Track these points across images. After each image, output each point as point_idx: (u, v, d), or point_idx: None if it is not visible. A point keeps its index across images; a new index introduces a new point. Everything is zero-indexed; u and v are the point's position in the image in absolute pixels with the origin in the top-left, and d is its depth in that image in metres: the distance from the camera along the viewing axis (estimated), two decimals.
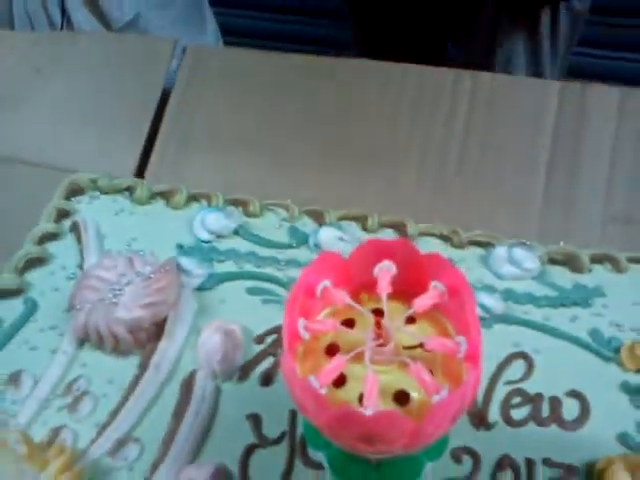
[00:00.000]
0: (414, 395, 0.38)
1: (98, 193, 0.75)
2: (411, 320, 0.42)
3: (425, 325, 0.41)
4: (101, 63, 0.88)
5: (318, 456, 0.53)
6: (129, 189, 0.75)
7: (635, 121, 0.75)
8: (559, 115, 0.76)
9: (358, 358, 0.39)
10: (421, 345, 0.40)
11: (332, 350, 0.40)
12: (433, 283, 0.40)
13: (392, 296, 0.42)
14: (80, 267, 0.68)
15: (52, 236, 0.71)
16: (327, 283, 0.40)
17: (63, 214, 0.73)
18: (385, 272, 0.41)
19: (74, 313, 0.61)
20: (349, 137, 0.78)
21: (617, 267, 0.65)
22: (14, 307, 0.65)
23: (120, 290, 0.62)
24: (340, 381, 0.39)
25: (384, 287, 0.40)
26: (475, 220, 0.70)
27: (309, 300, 0.41)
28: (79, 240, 0.70)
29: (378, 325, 0.40)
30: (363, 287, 0.43)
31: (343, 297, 0.40)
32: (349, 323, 0.42)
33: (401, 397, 0.39)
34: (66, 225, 0.72)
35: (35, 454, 0.51)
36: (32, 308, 0.65)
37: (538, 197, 0.75)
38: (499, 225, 0.69)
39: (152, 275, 0.63)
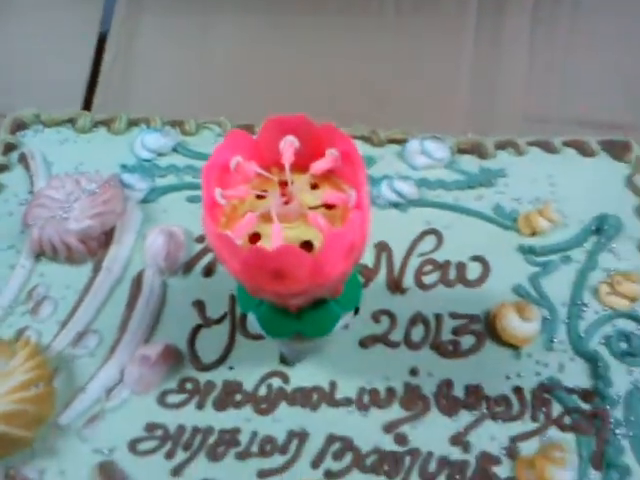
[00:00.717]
0: (317, 244, 0.46)
1: (42, 126, 0.80)
2: (315, 187, 0.50)
3: (326, 188, 0.49)
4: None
5: (254, 327, 0.61)
6: (71, 120, 0.81)
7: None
8: None
9: (270, 219, 0.47)
10: (323, 206, 0.48)
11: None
12: (328, 150, 0.47)
13: (298, 168, 0.49)
14: (31, 193, 0.74)
15: (2, 168, 0.76)
16: (239, 158, 0.48)
17: (10, 148, 0.78)
18: (289, 145, 0.48)
19: (29, 230, 0.67)
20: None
21: (518, 150, 0.73)
22: None
23: (69, 207, 0.69)
24: (255, 239, 0.47)
25: (288, 157, 0.47)
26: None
27: (225, 175, 0.48)
28: (28, 169, 0.76)
29: (285, 189, 0.48)
30: (273, 163, 0.50)
31: (254, 168, 0.47)
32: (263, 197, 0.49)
33: (306, 247, 0.47)
34: (14, 157, 0.77)
35: (3, 347, 0.58)
36: None
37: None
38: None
39: (97, 190, 0.69)
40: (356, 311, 0.59)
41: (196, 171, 0.73)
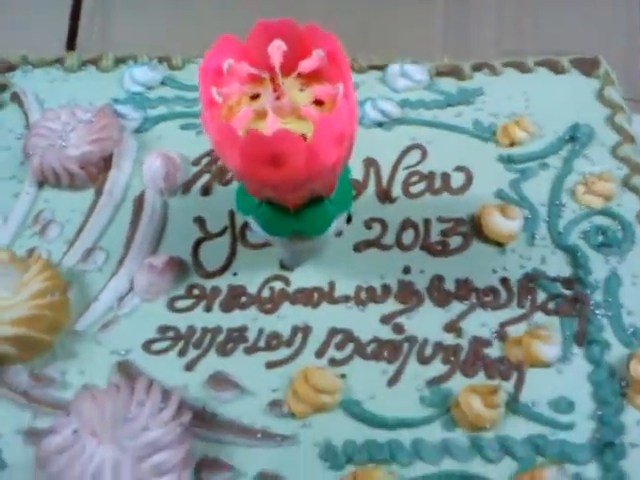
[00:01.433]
0: (310, 136, 0.49)
1: (30, 67, 0.82)
2: (303, 89, 0.52)
3: (314, 87, 0.52)
4: None
5: (254, 236, 0.65)
6: (59, 61, 0.82)
7: None
8: None
9: (265, 115, 0.50)
10: (313, 103, 0.51)
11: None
12: (315, 50, 0.50)
13: (286, 72, 0.52)
14: (27, 128, 0.76)
15: None
16: (231, 60, 0.50)
17: (1, 88, 0.80)
18: (276, 48, 0.51)
19: (30, 159, 0.70)
20: None
21: (493, 71, 0.77)
22: None
23: (67, 135, 0.71)
24: None
25: (277, 59, 0.50)
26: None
27: (218, 78, 0.51)
28: (21, 106, 0.78)
29: (277, 89, 0.51)
30: (262, 67, 0.53)
31: (245, 68, 0.50)
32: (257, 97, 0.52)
33: None
34: (6, 96, 0.79)
35: (17, 262, 0.61)
36: None
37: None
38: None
39: (93, 119, 0.71)
40: (349, 220, 0.63)
41: (186, 102, 0.76)
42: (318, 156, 0.47)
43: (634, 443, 0.52)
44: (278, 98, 0.49)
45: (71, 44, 0.87)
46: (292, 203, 0.54)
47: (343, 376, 0.56)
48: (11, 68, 0.81)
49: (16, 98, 0.78)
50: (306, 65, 0.50)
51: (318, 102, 0.50)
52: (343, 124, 0.47)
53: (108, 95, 0.77)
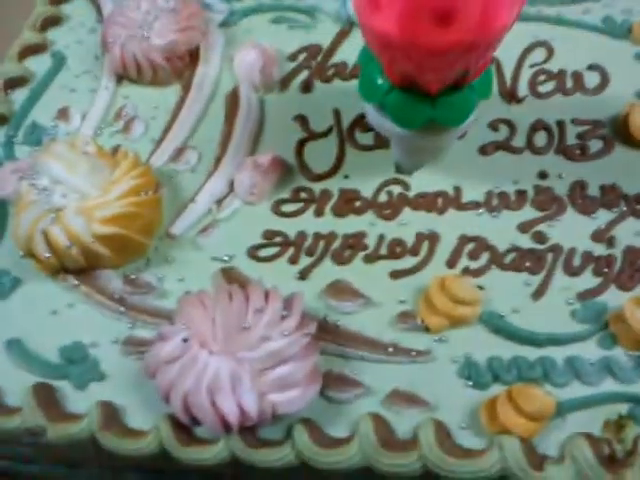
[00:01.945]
0: None
1: None
2: None
3: None
4: None
5: (367, 138, 0.56)
6: None
7: None
8: None
9: None
10: None
11: None
12: None
13: None
14: (99, 22, 0.67)
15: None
16: None
17: None
18: None
19: (109, 47, 0.61)
20: None
21: None
22: (43, 61, 0.65)
23: (149, 25, 0.62)
24: None
25: None
26: None
27: None
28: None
29: None
30: None
31: None
32: None
33: None
34: None
35: (106, 158, 0.53)
36: (61, 60, 0.65)
37: None
38: None
39: (177, 7, 0.62)
40: None
41: None
42: (494, 13, 0.38)
43: None
44: None
45: None
46: (435, 85, 0.45)
47: (481, 288, 0.48)
48: None
49: None
50: None
51: None
52: None
53: None
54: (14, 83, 0.62)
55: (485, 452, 0.42)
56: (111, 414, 0.45)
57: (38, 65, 0.65)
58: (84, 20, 0.68)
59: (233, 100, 0.59)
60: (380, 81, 0.48)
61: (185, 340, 0.45)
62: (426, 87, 0.47)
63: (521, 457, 0.41)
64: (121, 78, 0.62)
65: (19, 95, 0.62)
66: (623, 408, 0.44)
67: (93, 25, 0.67)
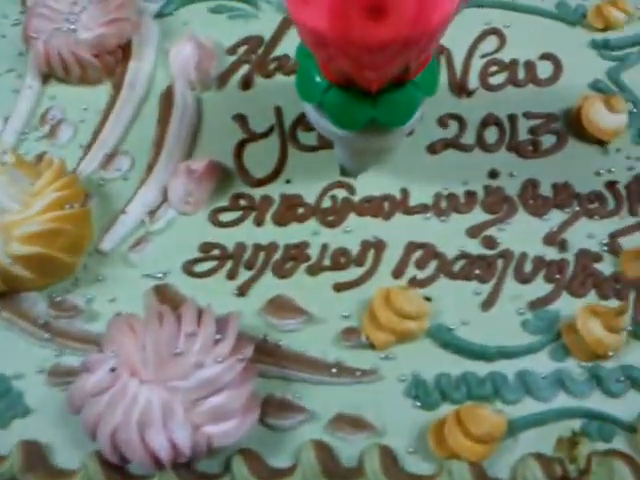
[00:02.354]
0: None
1: None
2: None
3: None
4: None
5: (309, 138, 0.52)
6: None
7: None
8: None
9: None
10: None
11: None
12: None
13: None
14: (23, 13, 0.62)
15: None
16: None
17: None
18: None
19: (32, 43, 0.56)
20: None
21: None
22: None
23: (76, 16, 0.57)
24: None
25: None
26: None
27: None
28: None
29: None
30: None
31: None
32: None
33: None
34: None
35: (26, 167, 0.48)
36: None
37: None
38: None
39: None
40: None
41: None
42: (432, 4, 0.34)
43: None
44: None
45: None
46: (374, 83, 0.41)
47: (428, 299, 0.45)
48: None
49: None
50: None
51: None
52: None
53: None
54: None
55: (433, 478, 0.39)
56: (36, 453, 0.42)
57: None
58: (7, 11, 0.62)
59: (167, 99, 0.55)
60: (318, 79, 0.44)
61: (113, 370, 0.41)
62: (365, 85, 0.43)
63: None
64: (47, 77, 0.57)
65: None
66: (576, 424, 0.42)
67: (17, 17, 0.61)
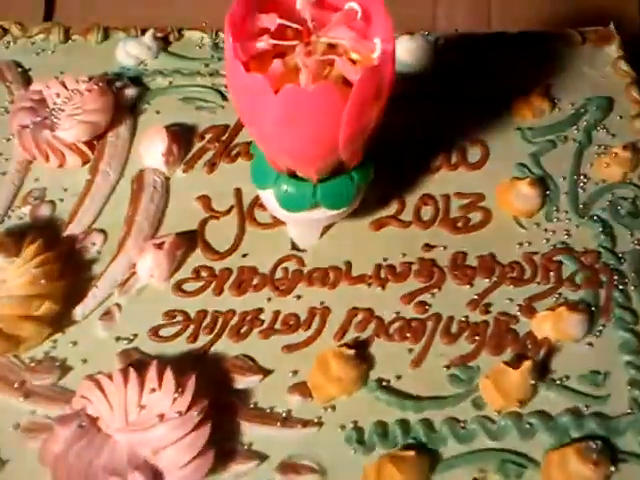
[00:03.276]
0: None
1: (11, 38, 0.78)
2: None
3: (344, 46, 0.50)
4: None
5: (265, 217, 0.63)
6: (43, 31, 0.79)
7: None
8: None
9: (297, 71, 0.48)
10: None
11: None
12: (347, 4, 0.49)
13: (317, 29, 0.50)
14: (11, 102, 0.73)
15: None
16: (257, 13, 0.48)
17: None
18: (305, 2, 0.49)
19: (17, 134, 0.67)
20: None
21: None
22: None
23: (57, 110, 0.68)
24: None
25: (307, 11, 0.48)
26: None
27: (244, 32, 0.49)
28: (3, 79, 0.75)
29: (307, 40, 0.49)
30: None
31: (273, 19, 0.48)
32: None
33: None
34: None
35: (4, 241, 0.58)
36: None
37: None
38: None
39: (85, 90, 0.69)
40: None
41: (185, 74, 0.74)
42: (359, 112, 0.45)
43: None
44: (309, 54, 0.47)
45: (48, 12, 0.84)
46: (316, 174, 0.52)
47: (365, 357, 0.55)
48: None
49: None
50: (339, 19, 0.48)
51: (352, 61, 0.48)
52: (382, 78, 0.46)
53: (100, 69, 0.74)
54: None
55: None
56: None
57: None
58: None
59: (139, 182, 0.66)
60: (268, 169, 0.55)
61: (81, 425, 0.50)
62: (307, 176, 0.54)
63: None
64: (30, 162, 0.67)
65: None
66: (493, 463, 0.51)
67: (5, 105, 0.72)
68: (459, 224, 0.63)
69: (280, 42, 0.47)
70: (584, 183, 0.66)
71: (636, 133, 0.69)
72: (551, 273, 0.60)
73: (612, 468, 0.50)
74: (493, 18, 1.00)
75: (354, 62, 0.48)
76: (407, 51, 0.75)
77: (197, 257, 0.61)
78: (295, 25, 0.48)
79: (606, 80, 0.74)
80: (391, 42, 0.47)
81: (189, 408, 0.50)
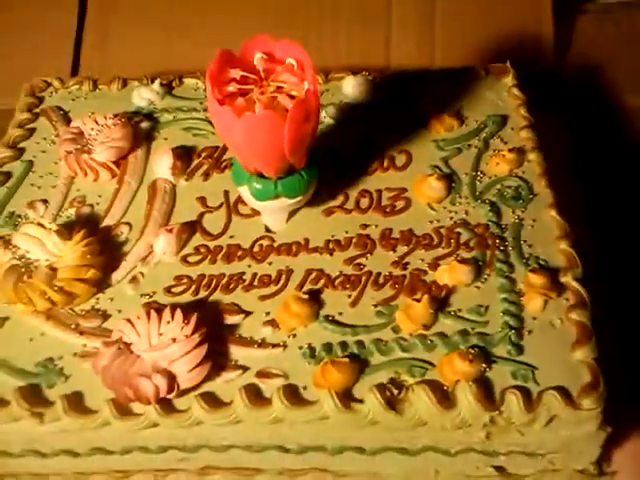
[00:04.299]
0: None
1: (53, 89, 1.05)
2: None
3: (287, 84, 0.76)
4: None
5: (246, 209, 0.88)
6: (77, 83, 1.06)
7: None
8: None
9: (254, 104, 0.73)
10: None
11: None
12: (288, 59, 0.74)
13: (268, 75, 0.76)
14: (57, 136, 0.99)
15: (28, 120, 1.01)
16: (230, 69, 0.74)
17: (32, 106, 1.03)
18: (259, 59, 0.75)
19: (63, 157, 0.92)
20: None
21: (429, 78, 1.02)
22: (17, 166, 0.96)
23: (92, 139, 0.94)
24: None
25: (261, 66, 0.74)
26: None
27: (220, 80, 0.75)
28: (50, 119, 1.01)
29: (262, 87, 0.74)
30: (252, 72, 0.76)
31: (237, 72, 0.74)
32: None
33: None
34: (37, 111, 1.02)
35: (61, 232, 0.83)
36: (29, 165, 0.96)
37: None
38: None
39: (112, 125, 0.95)
40: None
41: (183, 111, 1.00)
42: (295, 129, 0.71)
43: (530, 330, 0.75)
44: (262, 93, 0.73)
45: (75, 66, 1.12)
46: (274, 173, 0.77)
47: (318, 300, 0.79)
48: (39, 91, 1.04)
49: (45, 113, 1.01)
50: (281, 69, 0.73)
51: (291, 96, 0.74)
52: (309, 107, 0.71)
53: (121, 108, 1.00)
54: None
55: (317, 403, 0.71)
56: (75, 399, 0.73)
57: (14, 169, 0.95)
58: (46, 135, 0.99)
59: (153, 188, 0.90)
60: (242, 171, 0.80)
61: (119, 348, 0.74)
62: (269, 174, 0.79)
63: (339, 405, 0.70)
64: (73, 177, 0.93)
65: (0, 192, 0.92)
66: (405, 367, 0.74)
67: (52, 138, 0.98)
68: (387, 209, 0.87)
69: (242, 86, 0.73)
70: (480, 177, 0.90)
71: (522, 140, 0.93)
72: (452, 240, 0.83)
73: (483, 365, 0.72)
74: (436, 55, 1.26)
75: (293, 97, 0.74)
76: (352, 86, 1.00)
77: (197, 239, 0.86)
78: (252, 75, 0.73)
79: (503, 102, 0.98)
80: (314, 84, 0.72)
81: (193, 333, 0.74)
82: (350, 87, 0.99)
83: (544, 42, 1.25)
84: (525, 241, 0.82)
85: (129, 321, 0.74)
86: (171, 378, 0.71)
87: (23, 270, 0.78)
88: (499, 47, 1.19)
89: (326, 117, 0.95)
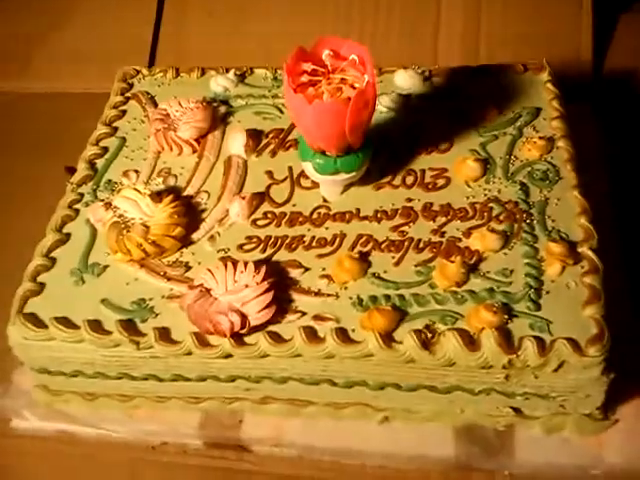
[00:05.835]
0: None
1: (141, 77, 1.23)
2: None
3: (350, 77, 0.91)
4: None
5: (307, 182, 1.04)
6: (162, 72, 1.24)
7: None
8: None
9: (322, 93, 0.89)
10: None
11: None
12: (351, 56, 0.90)
13: (335, 68, 0.92)
14: (146, 116, 1.17)
15: (121, 103, 1.19)
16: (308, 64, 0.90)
17: (124, 90, 1.21)
18: (327, 55, 0.91)
19: (153, 134, 1.10)
20: None
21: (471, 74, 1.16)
22: (113, 142, 1.14)
23: (177, 119, 1.11)
24: None
25: (328, 61, 0.90)
26: None
27: (296, 72, 0.91)
28: (140, 102, 1.19)
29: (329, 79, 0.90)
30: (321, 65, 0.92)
31: (309, 65, 0.90)
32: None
33: None
34: (129, 95, 1.20)
35: (153, 196, 1.00)
36: (123, 140, 1.13)
37: None
38: None
39: (194, 108, 1.12)
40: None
41: (254, 97, 1.17)
42: (355, 114, 0.86)
43: (548, 290, 0.89)
44: (329, 84, 0.89)
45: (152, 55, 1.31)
46: (335, 151, 0.93)
47: (366, 261, 0.94)
48: (128, 78, 1.22)
49: (135, 97, 1.19)
50: (346, 64, 0.89)
51: (353, 87, 0.90)
52: (368, 96, 0.87)
53: (200, 94, 1.17)
54: (96, 156, 1.11)
55: (363, 342, 0.87)
56: (164, 332, 0.91)
57: (109, 144, 1.13)
58: (136, 115, 1.16)
59: (228, 163, 1.07)
60: (308, 149, 0.97)
61: (201, 290, 0.91)
62: (330, 152, 0.95)
63: (382, 344, 0.85)
64: (160, 152, 1.11)
65: (99, 163, 1.10)
66: (439, 316, 0.89)
67: (142, 118, 1.16)
68: (430, 186, 1.02)
69: (313, 78, 0.89)
70: (513, 161, 1.03)
71: (553, 130, 1.06)
72: (485, 213, 0.97)
73: (506, 316, 0.87)
74: (480, 52, 1.41)
75: (354, 88, 0.89)
76: (403, 79, 1.15)
77: (265, 206, 1.01)
78: (321, 69, 0.89)
79: (538, 96, 1.12)
80: (372, 77, 0.87)
81: (262, 281, 0.90)
82: (402, 79, 1.14)
83: (583, 42, 1.38)
84: (549, 216, 0.95)
85: (209, 270, 0.91)
86: (243, 317, 0.87)
87: (122, 226, 0.95)
88: (538, 45, 1.32)
89: (379, 105, 1.09)
